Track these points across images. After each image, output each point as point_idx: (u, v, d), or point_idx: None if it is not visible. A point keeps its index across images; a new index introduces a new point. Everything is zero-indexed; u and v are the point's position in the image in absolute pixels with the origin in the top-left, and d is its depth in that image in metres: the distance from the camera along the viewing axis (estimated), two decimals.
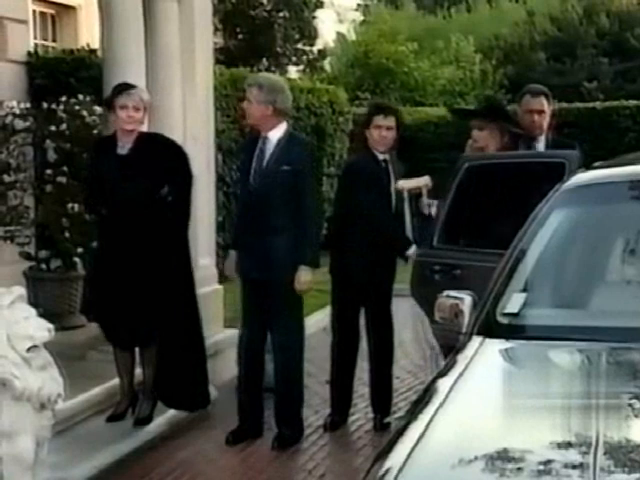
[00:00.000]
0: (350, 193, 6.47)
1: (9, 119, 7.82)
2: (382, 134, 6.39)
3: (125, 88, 6.14)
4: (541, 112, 6.58)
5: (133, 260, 5.99)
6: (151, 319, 6.04)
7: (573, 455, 2.68)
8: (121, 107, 6.05)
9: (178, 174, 6.14)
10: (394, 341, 6.55)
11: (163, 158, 6.11)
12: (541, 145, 6.59)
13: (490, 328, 3.62)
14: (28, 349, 4.28)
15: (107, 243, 6.18)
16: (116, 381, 6.23)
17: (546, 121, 6.67)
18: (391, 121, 6.42)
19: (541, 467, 2.62)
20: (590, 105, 16.72)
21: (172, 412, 6.33)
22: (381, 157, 6.45)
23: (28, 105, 8.05)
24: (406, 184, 6.40)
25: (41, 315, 4.45)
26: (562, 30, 24.82)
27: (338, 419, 6.49)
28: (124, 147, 6.09)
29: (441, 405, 3.04)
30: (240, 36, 20.99)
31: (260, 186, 6.03)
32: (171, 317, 6.07)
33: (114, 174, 6.02)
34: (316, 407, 6.80)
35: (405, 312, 6.98)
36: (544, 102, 6.65)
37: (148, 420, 6.16)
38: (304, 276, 5.95)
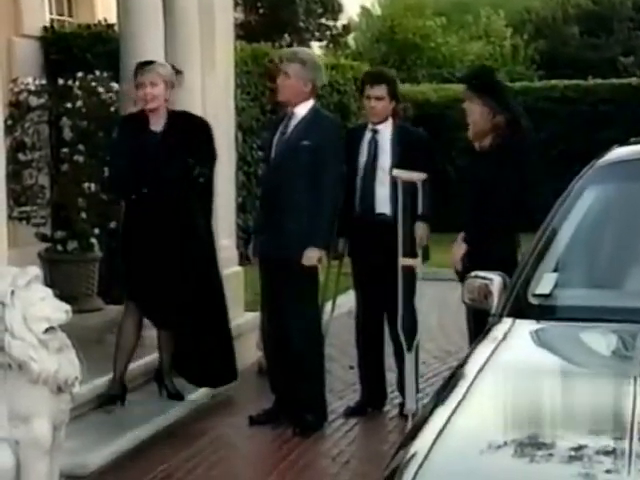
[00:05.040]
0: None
1: (24, 96, 7.76)
2: (371, 104, 6.29)
3: (140, 66, 6.04)
4: None
5: (166, 240, 5.95)
6: (182, 301, 6.03)
7: (606, 440, 2.61)
8: (138, 86, 5.97)
9: (208, 154, 6.12)
10: (418, 326, 6.40)
11: (195, 137, 6.05)
12: None
13: (521, 309, 3.60)
14: (45, 331, 4.22)
15: (138, 223, 5.99)
16: (133, 365, 6.16)
17: None
18: (379, 91, 6.26)
19: (572, 453, 2.55)
20: (626, 81, 16.49)
21: (191, 398, 6.28)
22: (371, 127, 6.30)
23: (43, 82, 8.01)
24: (401, 174, 6.08)
25: (57, 297, 4.39)
26: (597, 3, 24.49)
27: (362, 406, 6.36)
28: (157, 124, 5.99)
29: (470, 388, 2.98)
30: (261, 11, 20.93)
31: (280, 161, 5.99)
32: (197, 298, 6.08)
33: (152, 152, 5.91)
34: (340, 393, 6.72)
35: (432, 296, 6.84)
36: None
37: (181, 396, 6.16)
38: (311, 252, 5.84)
